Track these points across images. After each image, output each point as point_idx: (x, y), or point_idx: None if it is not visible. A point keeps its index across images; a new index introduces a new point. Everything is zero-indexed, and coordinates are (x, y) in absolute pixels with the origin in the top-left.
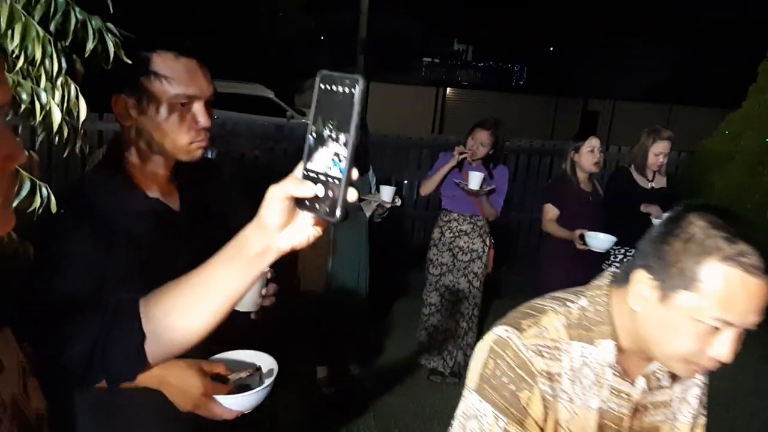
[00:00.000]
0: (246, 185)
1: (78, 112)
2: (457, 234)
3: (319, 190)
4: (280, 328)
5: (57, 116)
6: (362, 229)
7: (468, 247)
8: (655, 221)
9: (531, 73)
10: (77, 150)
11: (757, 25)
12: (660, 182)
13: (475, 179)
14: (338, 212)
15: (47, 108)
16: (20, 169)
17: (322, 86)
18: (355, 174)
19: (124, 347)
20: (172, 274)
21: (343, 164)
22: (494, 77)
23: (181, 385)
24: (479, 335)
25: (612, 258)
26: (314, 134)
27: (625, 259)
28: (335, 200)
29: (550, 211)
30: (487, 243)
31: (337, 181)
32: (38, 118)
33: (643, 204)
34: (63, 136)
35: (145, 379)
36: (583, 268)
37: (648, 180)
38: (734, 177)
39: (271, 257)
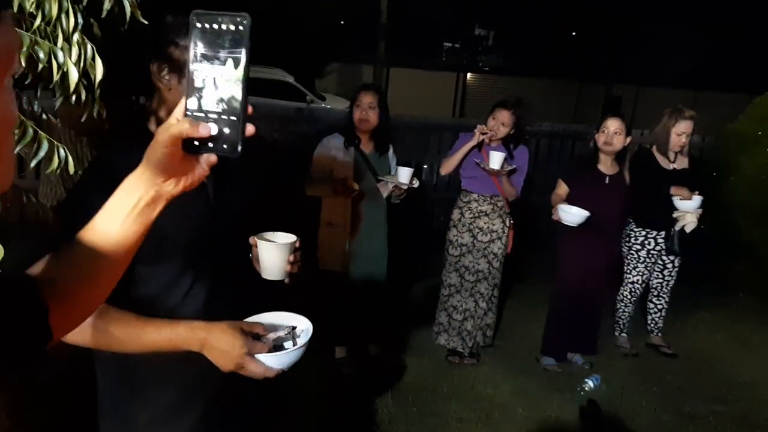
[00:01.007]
0: (268, 167)
1: (95, 74)
2: (477, 215)
3: (213, 129)
4: (299, 308)
5: (74, 75)
6: (381, 210)
7: (488, 227)
8: (680, 203)
9: (553, 58)
10: (95, 114)
11: None
12: (682, 163)
13: (496, 158)
14: (239, 148)
15: (64, 69)
16: (38, 130)
17: (200, 25)
18: (250, 109)
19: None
20: (198, 240)
21: (238, 100)
22: (515, 62)
23: (223, 346)
24: (499, 316)
25: (633, 240)
26: (198, 75)
27: (645, 241)
28: (234, 137)
29: (560, 186)
30: (507, 223)
31: (233, 118)
32: (55, 77)
33: (673, 187)
34: (80, 98)
35: (187, 343)
36: (599, 250)
37: (670, 161)
38: (761, 160)
39: (162, 204)
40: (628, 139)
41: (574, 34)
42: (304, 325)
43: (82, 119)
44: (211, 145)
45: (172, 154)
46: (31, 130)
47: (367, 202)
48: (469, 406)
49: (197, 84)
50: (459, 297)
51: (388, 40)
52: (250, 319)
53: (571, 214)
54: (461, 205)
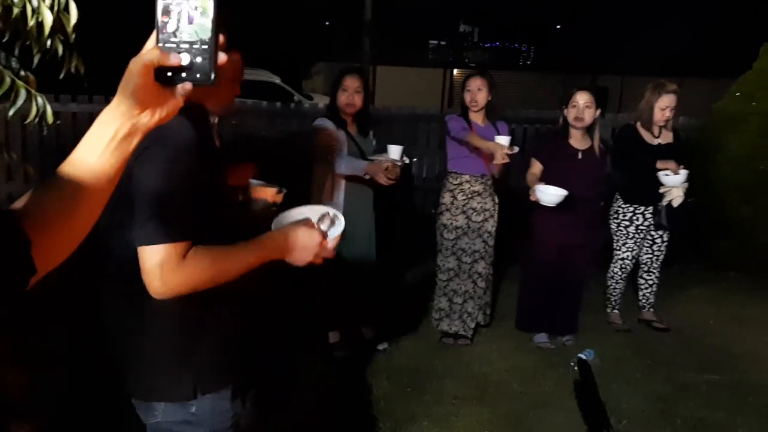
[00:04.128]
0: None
1: (69, 21)
2: (470, 195)
3: (185, 58)
4: (292, 294)
5: (48, 19)
6: (368, 192)
7: (481, 207)
8: (666, 178)
9: (538, 51)
10: (72, 69)
11: None
12: (667, 138)
13: (504, 142)
14: (212, 76)
15: (39, 17)
16: (15, 79)
17: None
18: (221, 38)
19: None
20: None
21: (209, 29)
22: (501, 57)
23: (306, 241)
24: (495, 295)
25: (621, 216)
26: (168, 5)
27: (633, 217)
28: (206, 65)
29: (534, 165)
30: (496, 201)
31: (204, 46)
32: (30, 21)
33: (659, 161)
34: (57, 53)
35: (274, 251)
36: (574, 226)
37: (654, 136)
38: (748, 138)
39: (139, 136)
40: (597, 112)
41: (558, 27)
42: (330, 209)
43: (61, 76)
44: (184, 75)
45: (146, 84)
46: (8, 79)
47: (355, 184)
48: (464, 384)
49: (168, 14)
50: (458, 280)
51: (373, 38)
52: (293, 218)
53: (549, 194)
54: (452, 187)
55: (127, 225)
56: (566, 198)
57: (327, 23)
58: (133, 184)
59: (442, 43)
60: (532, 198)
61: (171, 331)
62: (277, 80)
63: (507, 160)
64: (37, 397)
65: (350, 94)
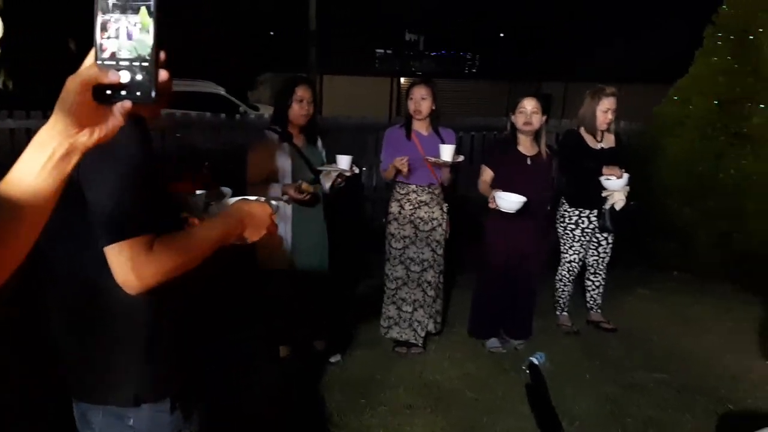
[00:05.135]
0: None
1: None
2: (417, 205)
3: (124, 76)
4: (240, 309)
5: None
6: (318, 205)
7: (428, 216)
8: (607, 182)
9: (483, 59)
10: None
11: None
12: (609, 142)
13: (447, 151)
14: (153, 94)
15: None
16: None
17: None
18: (162, 54)
19: None
20: None
21: (149, 46)
22: (447, 65)
23: (260, 212)
24: (446, 303)
25: (567, 220)
26: (107, 22)
27: (579, 220)
28: (147, 83)
29: (484, 173)
30: (444, 210)
31: (145, 64)
32: None
33: (605, 168)
34: None
35: (234, 226)
36: (526, 232)
37: (597, 141)
38: (685, 141)
39: (77, 156)
40: (544, 118)
41: (502, 35)
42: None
43: None
44: (124, 93)
45: (84, 103)
46: None
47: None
48: (417, 393)
49: (108, 32)
50: (407, 289)
51: (319, 48)
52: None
53: (509, 201)
54: (399, 197)
55: (77, 231)
56: (524, 204)
57: (271, 33)
58: (88, 189)
59: (389, 51)
60: (491, 205)
61: (117, 337)
62: (222, 91)
63: (404, 166)
64: None
65: (305, 104)
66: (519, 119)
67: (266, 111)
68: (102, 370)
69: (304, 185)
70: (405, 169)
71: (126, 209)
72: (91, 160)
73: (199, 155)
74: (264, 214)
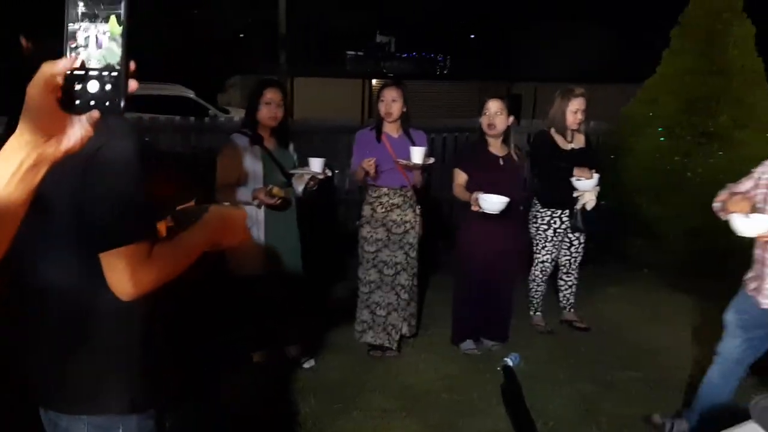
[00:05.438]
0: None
1: None
2: (389, 208)
3: (93, 86)
4: (213, 316)
5: None
6: (291, 208)
7: (401, 219)
8: (578, 183)
9: (455, 60)
10: None
11: None
12: (579, 142)
13: (418, 153)
14: (122, 104)
15: None
16: None
17: None
18: (132, 65)
19: None
20: None
21: (118, 56)
22: (418, 67)
23: (236, 216)
24: (420, 305)
25: (539, 220)
26: (76, 32)
27: (551, 221)
28: (116, 93)
29: (458, 176)
30: (417, 212)
31: (114, 74)
32: None
33: (576, 168)
34: None
35: (216, 230)
36: (501, 233)
37: (568, 141)
38: (653, 140)
39: (45, 168)
40: (511, 119)
41: (473, 36)
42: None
43: None
44: (92, 103)
45: (47, 108)
46: None
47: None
48: (393, 396)
49: (77, 41)
50: (380, 292)
51: (289, 50)
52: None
53: (492, 202)
54: (371, 200)
55: (63, 241)
56: (506, 204)
57: (241, 35)
58: (82, 196)
59: (360, 53)
60: (474, 208)
61: (107, 347)
62: (191, 94)
63: (371, 167)
64: None
65: (274, 107)
66: (483, 121)
67: (236, 114)
68: (91, 381)
69: (275, 189)
70: (372, 171)
71: (125, 215)
72: (87, 166)
73: (169, 160)
74: (240, 218)
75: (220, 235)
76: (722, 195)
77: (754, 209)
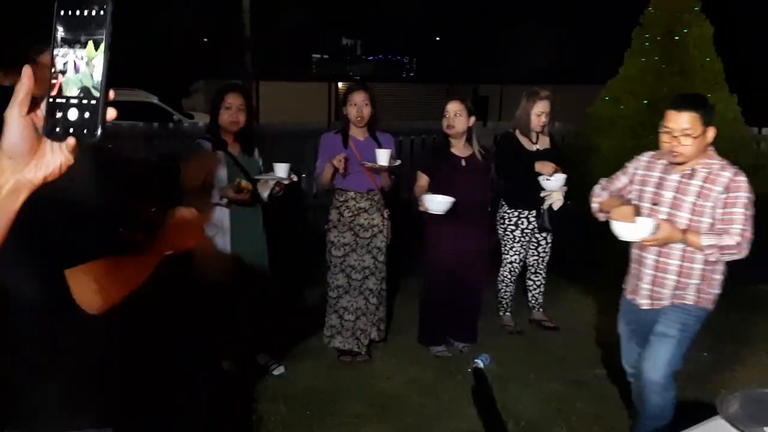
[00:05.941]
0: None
1: None
2: (356, 212)
3: (72, 114)
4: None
5: None
6: (256, 213)
7: (368, 223)
8: (545, 183)
9: (421, 63)
10: None
11: None
12: (545, 143)
13: (384, 156)
14: (99, 131)
15: None
16: None
17: (62, 12)
18: (111, 93)
19: None
20: None
21: (98, 83)
22: (385, 69)
23: (189, 216)
24: (389, 309)
25: (507, 221)
26: (57, 59)
27: (518, 221)
28: (94, 121)
29: (421, 178)
30: (385, 216)
31: (93, 102)
32: None
33: (537, 163)
34: None
35: (168, 234)
36: (466, 234)
37: (533, 142)
38: (617, 140)
39: (25, 194)
40: (471, 120)
41: (438, 39)
42: None
43: None
44: (71, 130)
45: (24, 132)
46: None
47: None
48: (364, 401)
49: (56, 67)
50: (349, 297)
51: (254, 54)
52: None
53: (437, 203)
54: (338, 204)
55: (28, 258)
56: (455, 204)
57: (205, 40)
58: (49, 212)
59: (326, 56)
60: (420, 208)
61: (74, 364)
62: (155, 100)
63: (341, 164)
64: None
65: (234, 112)
66: (443, 122)
67: (201, 119)
68: (59, 398)
69: (243, 183)
70: (342, 167)
71: (88, 231)
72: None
73: (133, 167)
74: (194, 219)
75: (174, 238)
76: (599, 194)
77: (638, 212)
